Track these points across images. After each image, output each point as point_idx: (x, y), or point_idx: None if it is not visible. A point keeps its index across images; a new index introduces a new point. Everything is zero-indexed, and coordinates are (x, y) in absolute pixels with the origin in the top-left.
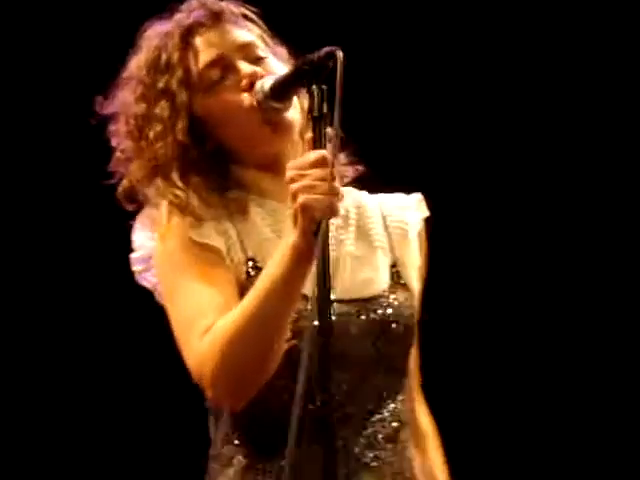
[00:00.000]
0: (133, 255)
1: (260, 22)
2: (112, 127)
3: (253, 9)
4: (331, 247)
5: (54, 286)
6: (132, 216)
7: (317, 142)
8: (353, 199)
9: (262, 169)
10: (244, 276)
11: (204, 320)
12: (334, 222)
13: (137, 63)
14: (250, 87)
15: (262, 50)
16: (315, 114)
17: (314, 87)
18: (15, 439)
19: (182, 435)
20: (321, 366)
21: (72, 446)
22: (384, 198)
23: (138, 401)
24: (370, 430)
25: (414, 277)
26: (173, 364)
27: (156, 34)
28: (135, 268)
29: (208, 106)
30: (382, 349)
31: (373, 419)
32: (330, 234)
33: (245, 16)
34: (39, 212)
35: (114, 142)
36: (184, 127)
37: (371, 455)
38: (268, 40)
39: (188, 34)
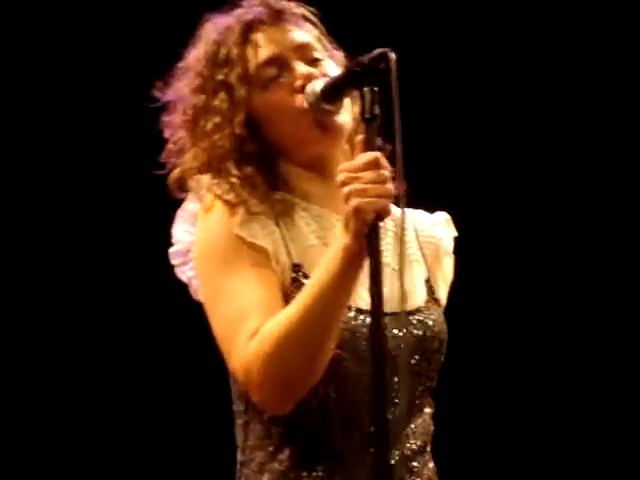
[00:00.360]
0: (172, 249)
1: (319, 24)
2: (166, 117)
3: (313, 10)
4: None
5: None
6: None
7: (369, 144)
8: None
9: (309, 170)
10: (289, 282)
11: (251, 322)
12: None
13: (196, 55)
14: (303, 88)
15: (319, 52)
16: (367, 116)
17: (366, 89)
18: (24, 439)
19: (202, 439)
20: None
21: (91, 448)
22: (413, 213)
23: (159, 404)
24: (404, 443)
25: (444, 293)
26: (198, 368)
27: (215, 28)
28: (173, 261)
29: (262, 103)
30: (419, 363)
31: (406, 432)
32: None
33: (305, 17)
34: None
35: (167, 133)
36: (241, 120)
37: (406, 467)
38: (326, 43)
39: (248, 30)
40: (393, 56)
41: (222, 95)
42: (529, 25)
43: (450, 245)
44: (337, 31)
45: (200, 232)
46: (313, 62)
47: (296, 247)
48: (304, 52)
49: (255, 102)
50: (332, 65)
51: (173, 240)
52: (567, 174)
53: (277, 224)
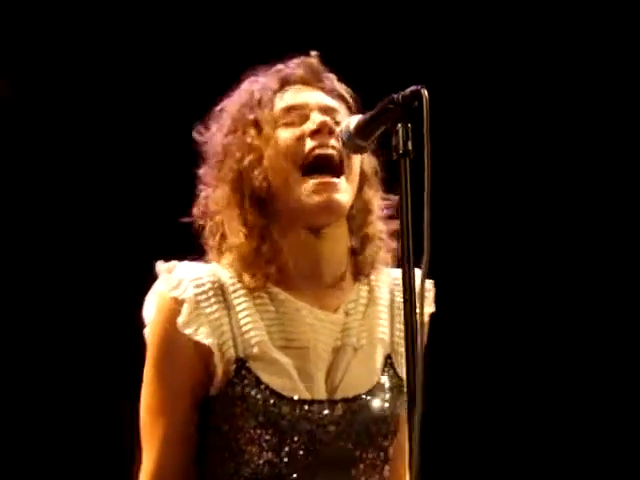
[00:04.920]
0: (145, 330)
1: (351, 101)
2: (201, 170)
3: (349, 90)
4: (336, 337)
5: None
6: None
7: (402, 181)
8: (368, 285)
9: (302, 244)
10: (232, 374)
11: (148, 458)
12: (341, 314)
13: (232, 101)
14: (314, 133)
15: (342, 118)
16: (400, 152)
17: (399, 125)
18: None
19: None
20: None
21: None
22: (397, 274)
23: None
24: None
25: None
26: None
27: (254, 79)
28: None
29: (274, 141)
30: (361, 449)
31: None
32: (339, 325)
33: (339, 94)
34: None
35: (200, 186)
36: (259, 158)
37: None
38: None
39: (284, 82)
40: (426, 93)
41: (252, 131)
42: (553, 65)
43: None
44: (372, 69)
45: (148, 331)
46: (336, 123)
47: (244, 340)
48: (327, 112)
49: (268, 142)
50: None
51: (146, 322)
52: (563, 177)
53: (229, 314)
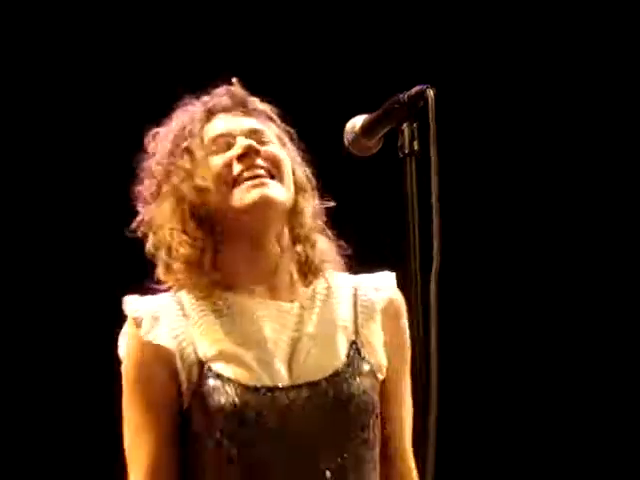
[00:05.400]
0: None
1: (279, 121)
2: (138, 187)
3: (274, 109)
4: (293, 328)
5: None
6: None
7: (407, 181)
8: (326, 282)
9: (244, 245)
10: (196, 378)
11: (138, 474)
12: (296, 306)
13: (166, 131)
14: (241, 157)
15: (269, 139)
16: (406, 151)
17: (405, 125)
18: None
19: None
20: None
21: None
22: (362, 279)
23: None
24: None
25: (378, 353)
26: None
27: (184, 110)
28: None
29: (206, 171)
30: (335, 430)
31: None
32: (294, 316)
33: (265, 114)
34: None
35: (138, 202)
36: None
37: None
38: (284, 138)
39: (210, 113)
40: (431, 93)
41: (186, 157)
42: (560, 64)
43: (381, 305)
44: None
45: (121, 354)
46: (261, 143)
47: (202, 344)
48: (253, 136)
49: (198, 171)
50: (282, 152)
51: (121, 358)
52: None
53: (187, 323)
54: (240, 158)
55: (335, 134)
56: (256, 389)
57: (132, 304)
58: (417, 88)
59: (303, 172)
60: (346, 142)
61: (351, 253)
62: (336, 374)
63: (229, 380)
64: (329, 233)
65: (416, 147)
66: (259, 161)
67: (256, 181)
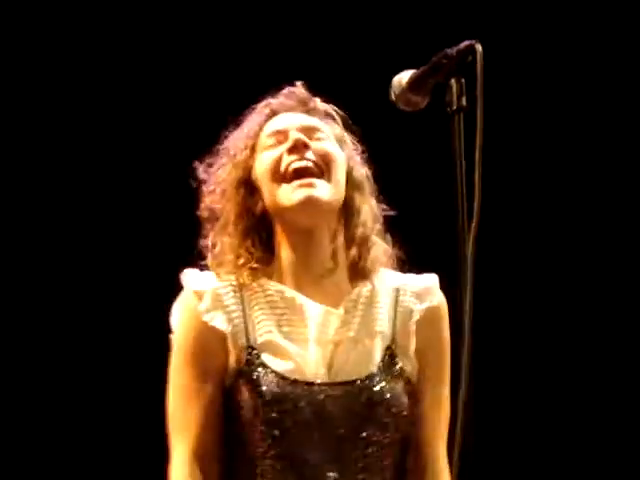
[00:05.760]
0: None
1: (339, 121)
2: (207, 199)
3: (337, 109)
4: (336, 331)
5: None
6: None
7: (455, 136)
8: (370, 284)
9: (295, 241)
10: (244, 362)
11: (180, 445)
12: (341, 310)
13: (236, 132)
14: (290, 149)
15: (324, 134)
16: (454, 107)
17: (452, 80)
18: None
19: None
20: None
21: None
22: (407, 281)
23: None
24: None
25: (411, 359)
26: None
27: (253, 112)
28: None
29: (258, 165)
30: (365, 430)
31: None
32: (338, 320)
33: (326, 113)
34: None
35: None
36: (239, 179)
37: None
38: (343, 137)
39: (272, 114)
40: (480, 48)
41: (245, 154)
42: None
43: (417, 317)
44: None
45: (175, 322)
46: (315, 139)
47: (255, 330)
48: (307, 131)
49: (255, 165)
50: (336, 149)
51: (173, 329)
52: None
53: (243, 308)
54: (290, 151)
55: (382, 91)
56: (296, 382)
57: (194, 278)
58: (466, 43)
59: (361, 172)
60: (392, 96)
61: (404, 255)
62: (370, 377)
63: (273, 371)
64: (387, 237)
65: (464, 103)
66: (308, 154)
67: (304, 181)
